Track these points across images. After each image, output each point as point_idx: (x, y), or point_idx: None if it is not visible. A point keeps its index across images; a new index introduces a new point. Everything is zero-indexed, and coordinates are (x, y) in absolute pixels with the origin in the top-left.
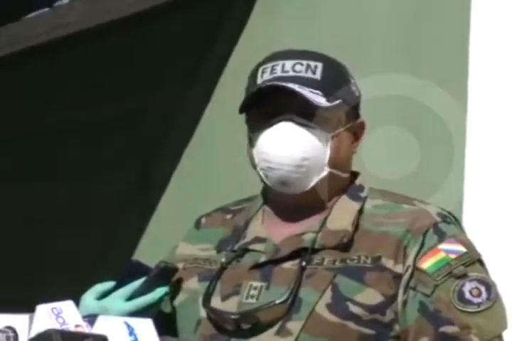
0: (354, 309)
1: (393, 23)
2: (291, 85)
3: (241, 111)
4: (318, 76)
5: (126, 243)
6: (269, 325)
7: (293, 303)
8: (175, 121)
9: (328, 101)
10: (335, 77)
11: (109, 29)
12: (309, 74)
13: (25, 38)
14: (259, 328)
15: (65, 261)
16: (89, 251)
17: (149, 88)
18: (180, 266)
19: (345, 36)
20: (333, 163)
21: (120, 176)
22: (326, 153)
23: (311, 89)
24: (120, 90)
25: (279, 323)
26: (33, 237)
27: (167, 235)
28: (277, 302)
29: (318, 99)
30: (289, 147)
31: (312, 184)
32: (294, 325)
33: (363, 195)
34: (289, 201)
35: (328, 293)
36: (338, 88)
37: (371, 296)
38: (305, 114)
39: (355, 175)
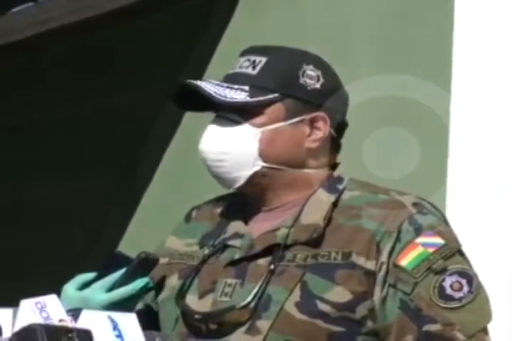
0: (322, 307)
1: (378, 21)
2: (203, 84)
3: (180, 107)
4: (255, 71)
5: (109, 241)
6: (239, 324)
7: (258, 303)
8: (160, 116)
9: (251, 96)
10: (276, 72)
11: (94, 24)
12: (249, 70)
13: (9, 32)
14: (228, 327)
15: (49, 259)
16: (73, 249)
17: (134, 83)
18: (166, 260)
19: (331, 34)
20: (269, 157)
21: (105, 172)
22: (254, 148)
23: (237, 85)
24: (105, 85)
25: (249, 322)
26: (18, 235)
27: (151, 232)
28: (238, 306)
29: (236, 94)
30: (209, 142)
31: (244, 178)
32: (263, 324)
33: (340, 186)
34: (241, 198)
35: (297, 292)
36: (276, 82)
37: (340, 294)
38: (233, 110)
39: (335, 166)
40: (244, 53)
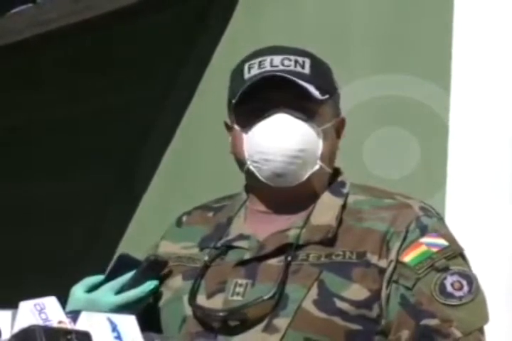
0: (341, 305)
1: (377, 20)
2: (289, 77)
3: (237, 103)
4: (307, 70)
5: (108, 241)
6: (256, 321)
7: (279, 300)
8: (159, 116)
9: (321, 94)
10: (322, 73)
11: (93, 25)
12: (299, 69)
13: (8, 33)
14: (246, 325)
15: (48, 259)
16: (72, 249)
17: (133, 84)
18: None
19: (330, 32)
20: (323, 157)
21: (104, 172)
22: (319, 147)
23: (304, 82)
24: (104, 86)
25: (266, 320)
26: (17, 235)
27: (150, 233)
28: (265, 298)
29: (314, 91)
30: (286, 138)
31: (305, 176)
32: (281, 322)
33: (344, 190)
34: (281, 195)
35: (315, 290)
36: (328, 84)
37: (357, 292)
38: (299, 106)
39: (336, 171)
40: (272, 52)
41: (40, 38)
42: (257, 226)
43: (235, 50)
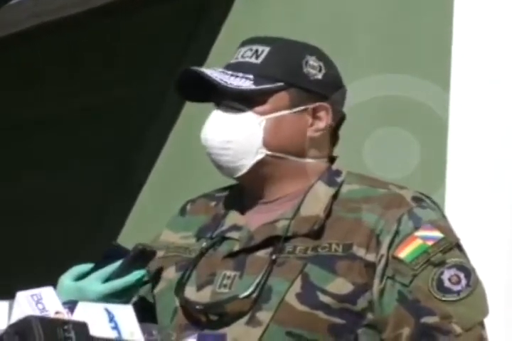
0: (324, 298)
1: (378, 20)
2: (208, 71)
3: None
4: (259, 60)
5: (108, 235)
6: (239, 315)
7: (260, 294)
8: (158, 109)
9: (256, 84)
10: (280, 61)
11: (92, 16)
12: (252, 60)
13: (8, 24)
14: (229, 318)
15: (47, 251)
16: (72, 243)
17: (133, 77)
18: (162, 253)
19: (331, 32)
20: (273, 145)
21: (103, 165)
22: (258, 136)
23: (241, 74)
24: (102, 79)
25: (249, 313)
26: (17, 229)
27: (150, 225)
28: (241, 296)
29: (241, 82)
30: (212, 130)
31: (248, 167)
32: (264, 315)
33: (339, 179)
34: (243, 186)
35: (298, 283)
36: (281, 71)
37: (341, 286)
38: (237, 98)
39: (333, 159)
40: (245, 43)
41: (38, 30)
42: (252, 216)
43: (234, 44)
